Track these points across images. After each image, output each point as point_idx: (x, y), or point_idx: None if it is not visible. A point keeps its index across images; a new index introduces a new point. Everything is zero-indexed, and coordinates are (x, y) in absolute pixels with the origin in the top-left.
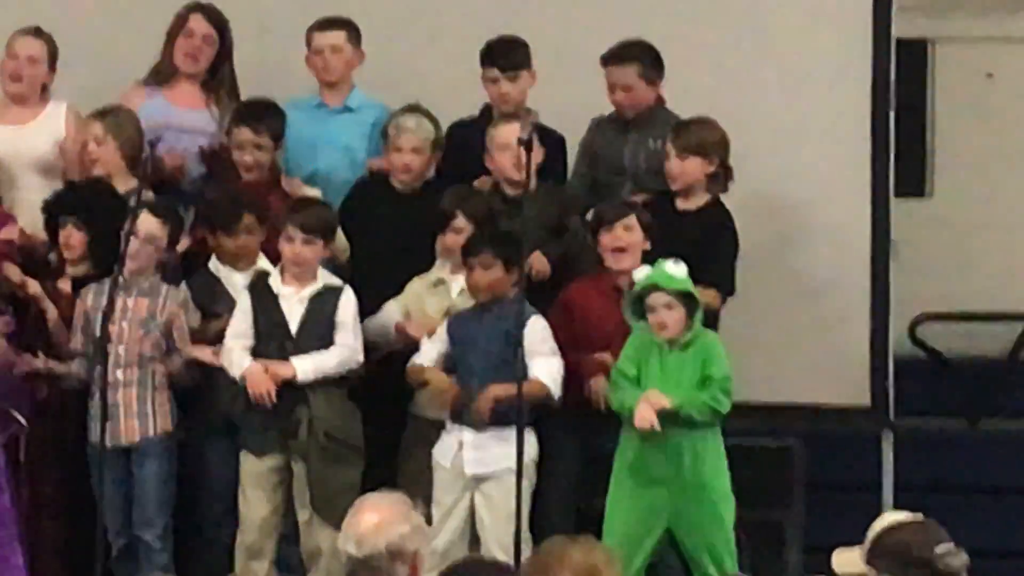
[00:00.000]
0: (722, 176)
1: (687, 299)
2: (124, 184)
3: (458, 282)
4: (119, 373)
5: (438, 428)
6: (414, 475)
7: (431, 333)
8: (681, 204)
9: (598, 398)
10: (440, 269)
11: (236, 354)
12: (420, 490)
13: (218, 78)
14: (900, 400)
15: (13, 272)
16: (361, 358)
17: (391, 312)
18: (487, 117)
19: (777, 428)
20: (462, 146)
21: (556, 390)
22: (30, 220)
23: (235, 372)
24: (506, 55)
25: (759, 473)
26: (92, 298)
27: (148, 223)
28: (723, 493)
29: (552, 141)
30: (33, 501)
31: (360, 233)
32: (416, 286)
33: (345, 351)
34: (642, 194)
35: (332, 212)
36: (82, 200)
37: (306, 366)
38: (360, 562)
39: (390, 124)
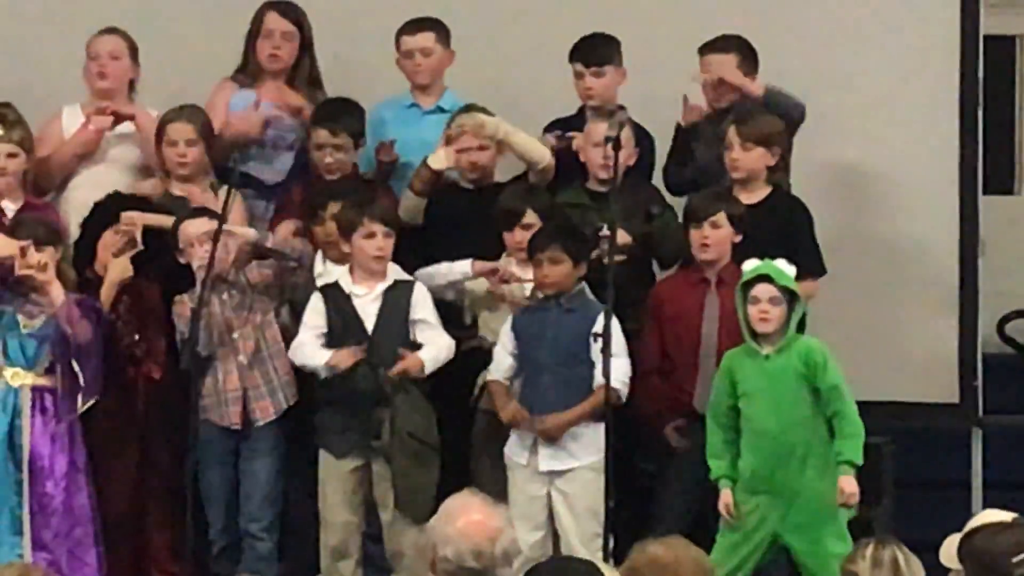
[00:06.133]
0: (782, 168)
1: (790, 299)
2: (202, 186)
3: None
4: (233, 359)
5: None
6: (489, 473)
7: (506, 277)
8: (742, 197)
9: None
10: (507, 268)
11: (310, 347)
12: (495, 487)
13: (299, 70)
14: (988, 397)
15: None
16: (452, 353)
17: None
18: (583, 116)
19: (866, 425)
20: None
21: (624, 391)
22: None
23: (315, 362)
24: (591, 51)
25: None
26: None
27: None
28: (832, 494)
29: (643, 140)
30: (143, 481)
31: (432, 235)
32: (481, 288)
33: (443, 349)
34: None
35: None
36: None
37: (428, 357)
38: (474, 572)
39: (451, 126)
